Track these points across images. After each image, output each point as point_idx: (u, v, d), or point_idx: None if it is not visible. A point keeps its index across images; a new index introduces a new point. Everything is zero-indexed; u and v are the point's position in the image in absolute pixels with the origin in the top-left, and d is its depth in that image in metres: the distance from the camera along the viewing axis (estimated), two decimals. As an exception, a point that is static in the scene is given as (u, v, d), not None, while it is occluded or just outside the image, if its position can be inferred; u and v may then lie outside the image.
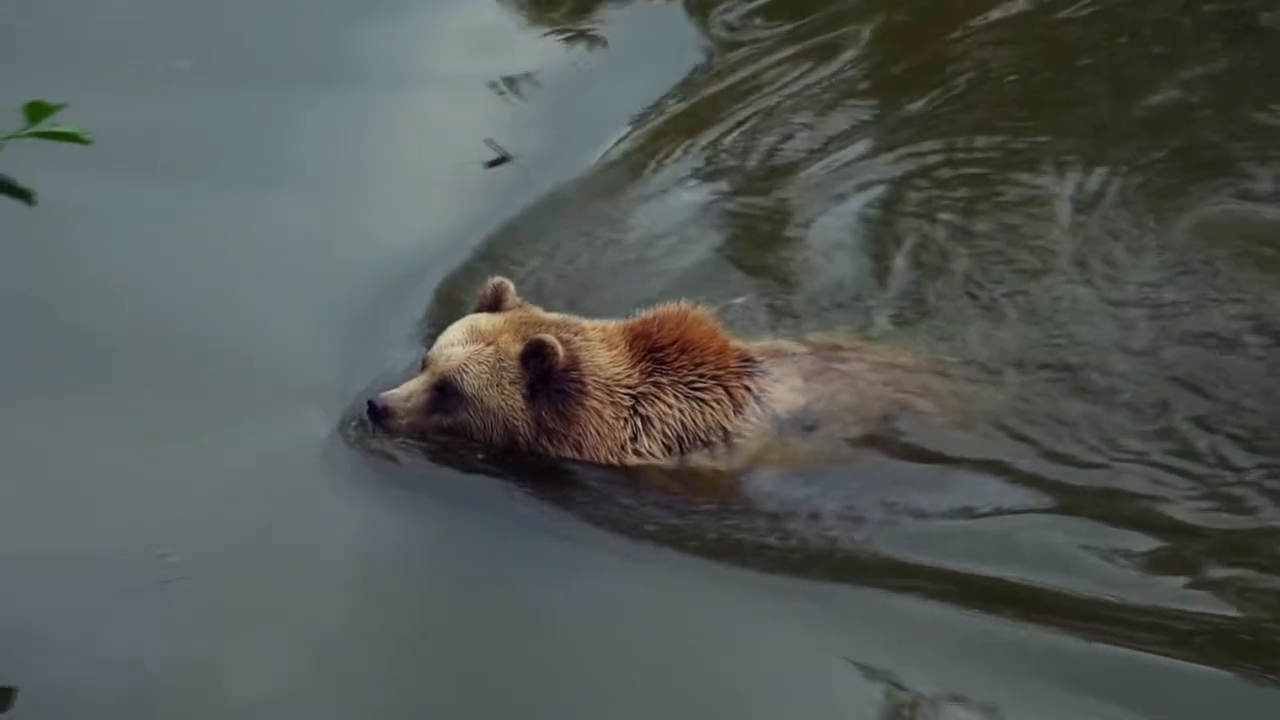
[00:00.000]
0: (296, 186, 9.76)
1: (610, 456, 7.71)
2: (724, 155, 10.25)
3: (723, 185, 10.00)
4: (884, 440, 7.87)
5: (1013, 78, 10.81)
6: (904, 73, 11.01)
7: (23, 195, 5.07)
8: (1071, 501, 7.68)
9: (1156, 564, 7.36)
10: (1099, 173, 9.67)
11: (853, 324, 8.58)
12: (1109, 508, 7.63)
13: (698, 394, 7.77)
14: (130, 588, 7.15)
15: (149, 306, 8.73)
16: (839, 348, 8.13)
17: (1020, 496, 7.69)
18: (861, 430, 7.83)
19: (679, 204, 9.77)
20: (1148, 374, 8.17)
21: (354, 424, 7.85)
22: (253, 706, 6.79)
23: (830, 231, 9.44)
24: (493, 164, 10.00)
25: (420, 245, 9.20)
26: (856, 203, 9.74)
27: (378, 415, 7.60)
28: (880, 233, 9.47)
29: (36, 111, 4.94)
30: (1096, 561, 7.38)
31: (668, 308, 7.90)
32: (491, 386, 7.59)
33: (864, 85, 10.86)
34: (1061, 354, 8.34)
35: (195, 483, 7.69)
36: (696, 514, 7.62)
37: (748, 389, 7.81)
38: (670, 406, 7.74)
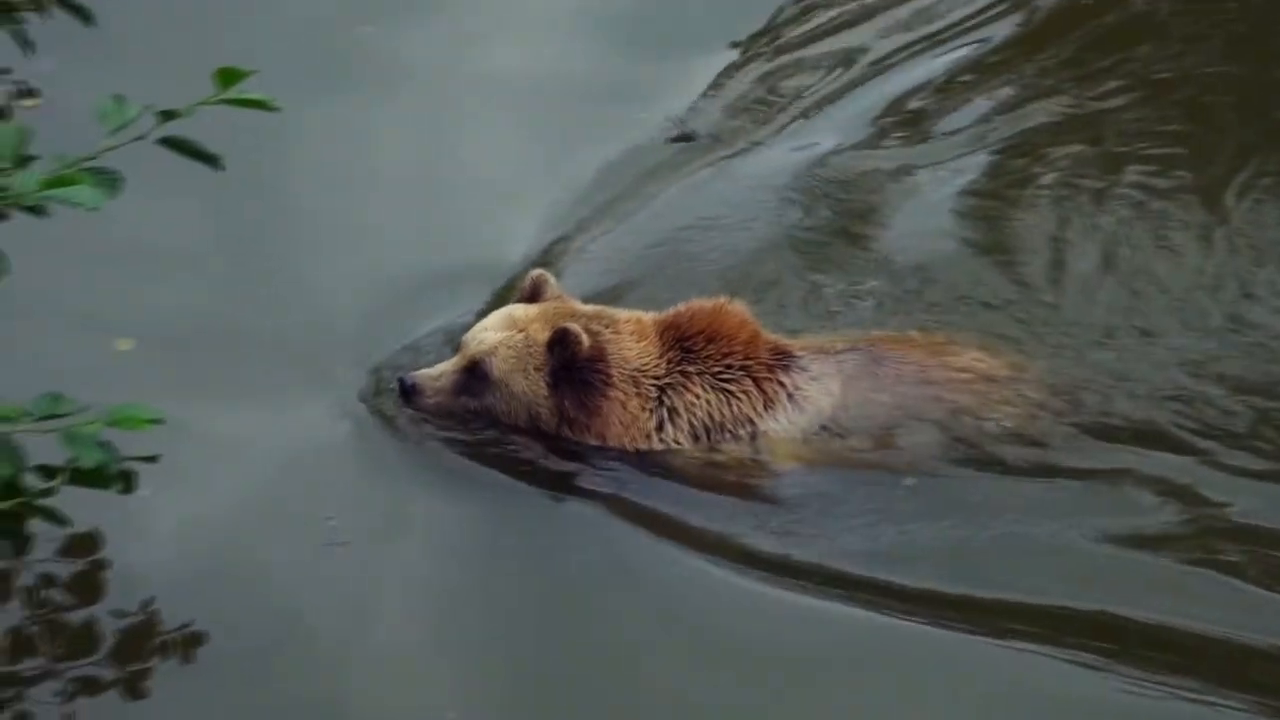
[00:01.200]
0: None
1: (634, 445, 7.75)
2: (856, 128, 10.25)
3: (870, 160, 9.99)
4: (918, 449, 7.77)
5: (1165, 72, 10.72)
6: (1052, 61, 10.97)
7: (210, 160, 5.11)
8: (1126, 530, 7.52)
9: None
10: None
11: (971, 323, 8.48)
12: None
13: (725, 385, 7.75)
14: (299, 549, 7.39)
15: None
16: (903, 344, 8.01)
17: (1065, 524, 7.52)
18: (895, 437, 7.77)
19: (774, 185, 9.71)
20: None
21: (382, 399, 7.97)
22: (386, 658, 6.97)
23: (959, 226, 9.39)
24: (675, 139, 10.03)
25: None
26: (995, 195, 9.67)
27: (407, 393, 7.69)
28: (1015, 229, 9.40)
29: (227, 77, 4.99)
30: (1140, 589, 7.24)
31: (702, 300, 7.89)
32: (518, 372, 7.66)
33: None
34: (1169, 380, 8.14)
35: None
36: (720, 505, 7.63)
37: (781, 384, 7.77)
38: (698, 397, 7.75)
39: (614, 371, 7.66)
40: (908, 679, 6.96)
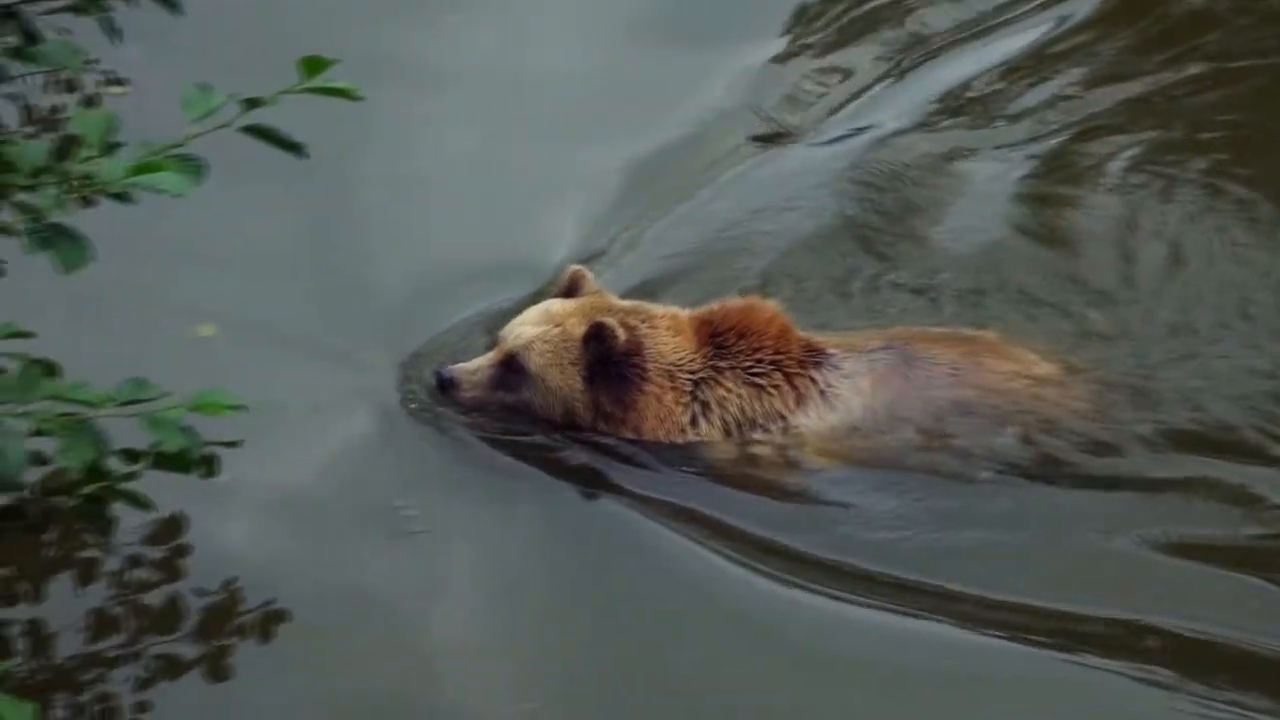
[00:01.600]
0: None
1: (669, 439, 7.79)
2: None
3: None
4: (949, 450, 7.77)
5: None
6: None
7: (294, 148, 5.15)
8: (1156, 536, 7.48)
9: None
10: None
11: (1031, 319, 8.49)
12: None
13: (755, 379, 7.78)
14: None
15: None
16: (939, 343, 7.98)
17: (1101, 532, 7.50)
18: (924, 438, 7.76)
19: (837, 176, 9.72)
20: None
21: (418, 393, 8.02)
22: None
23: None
24: (761, 137, 10.03)
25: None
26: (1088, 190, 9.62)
27: (444, 386, 7.75)
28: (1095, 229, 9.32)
29: (311, 66, 5.04)
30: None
31: (735, 298, 7.97)
32: (554, 366, 7.71)
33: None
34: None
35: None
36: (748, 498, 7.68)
37: (812, 380, 7.79)
38: (729, 392, 7.77)
39: (650, 365, 7.72)
40: (957, 688, 6.96)
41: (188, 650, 6.89)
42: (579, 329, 7.68)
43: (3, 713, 5.22)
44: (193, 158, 4.96)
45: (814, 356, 7.80)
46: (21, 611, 6.99)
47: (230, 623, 6.97)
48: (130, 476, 5.37)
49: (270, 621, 6.96)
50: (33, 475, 5.44)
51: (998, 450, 7.75)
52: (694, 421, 7.76)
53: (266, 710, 6.79)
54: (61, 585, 7.09)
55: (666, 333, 7.78)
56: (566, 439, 7.84)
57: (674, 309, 7.93)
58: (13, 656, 6.72)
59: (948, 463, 7.73)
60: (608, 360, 7.68)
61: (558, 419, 7.80)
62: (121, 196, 4.93)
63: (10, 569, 7.09)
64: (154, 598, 7.08)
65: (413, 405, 8.01)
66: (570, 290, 7.93)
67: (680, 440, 7.77)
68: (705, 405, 7.76)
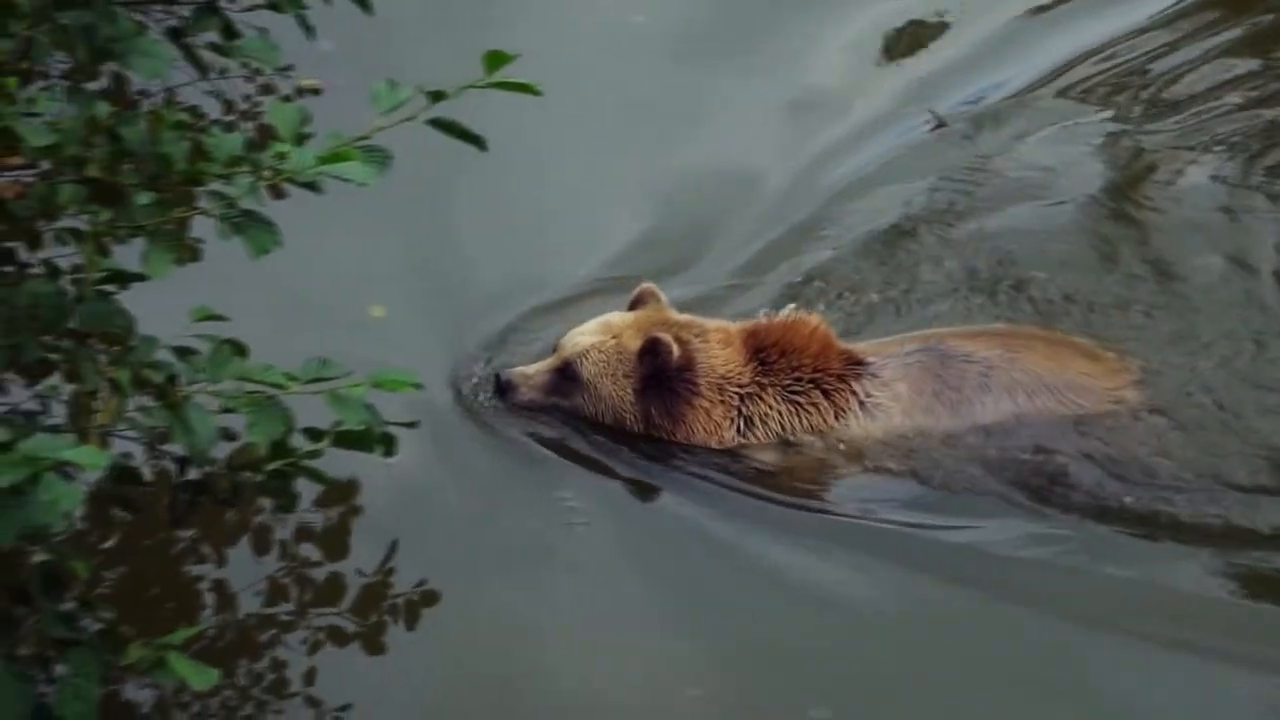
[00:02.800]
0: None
1: (718, 446, 7.94)
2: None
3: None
4: (984, 447, 7.87)
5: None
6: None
7: (475, 141, 5.28)
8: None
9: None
10: None
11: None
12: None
13: (794, 397, 7.93)
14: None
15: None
16: (976, 340, 8.06)
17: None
18: (959, 440, 7.87)
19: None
20: None
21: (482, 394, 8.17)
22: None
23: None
24: (935, 128, 10.06)
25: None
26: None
27: (502, 389, 7.92)
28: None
29: (494, 61, 5.17)
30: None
31: (781, 315, 8.08)
32: (606, 376, 7.91)
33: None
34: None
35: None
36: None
37: (852, 393, 7.91)
38: (770, 408, 7.92)
39: (701, 380, 7.89)
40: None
41: (348, 623, 7.13)
42: (634, 342, 7.89)
43: (188, 677, 5.47)
44: (378, 149, 5.13)
45: (853, 368, 7.94)
46: (209, 578, 7.30)
47: (385, 600, 7.20)
48: (314, 454, 5.58)
49: (424, 603, 7.18)
50: (222, 451, 5.63)
51: (1034, 447, 7.84)
52: (740, 433, 7.93)
53: (418, 683, 7.02)
54: (242, 554, 7.37)
55: (718, 346, 7.95)
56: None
57: (726, 323, 8.08)
58: (199, 622, 7.02)
59: (986, 460, 7.83)
60: (661, 375, 7.84)
61: (608, 424, 8.00)
62: (311, 185, 5.12)
63: (200, 539, 7.40)
64: (319, 570, 7.35)
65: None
66: (635, 304, 8.11)
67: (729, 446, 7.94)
68: (749, 420, 7.92)
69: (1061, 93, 10.46)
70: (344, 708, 6.82)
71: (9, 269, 5.64)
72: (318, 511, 7.50)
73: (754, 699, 7.06)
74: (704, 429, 7.94)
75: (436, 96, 5.18)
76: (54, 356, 5.39)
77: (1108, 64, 10.64)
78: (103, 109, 5.14)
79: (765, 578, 7.53)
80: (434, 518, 7.74)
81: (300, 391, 5.33)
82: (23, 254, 5.80)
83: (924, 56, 10.86)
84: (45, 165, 5.16)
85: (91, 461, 4.64)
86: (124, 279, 5.40)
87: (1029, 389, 7.89)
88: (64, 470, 4.63)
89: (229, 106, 9.51)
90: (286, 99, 9.24)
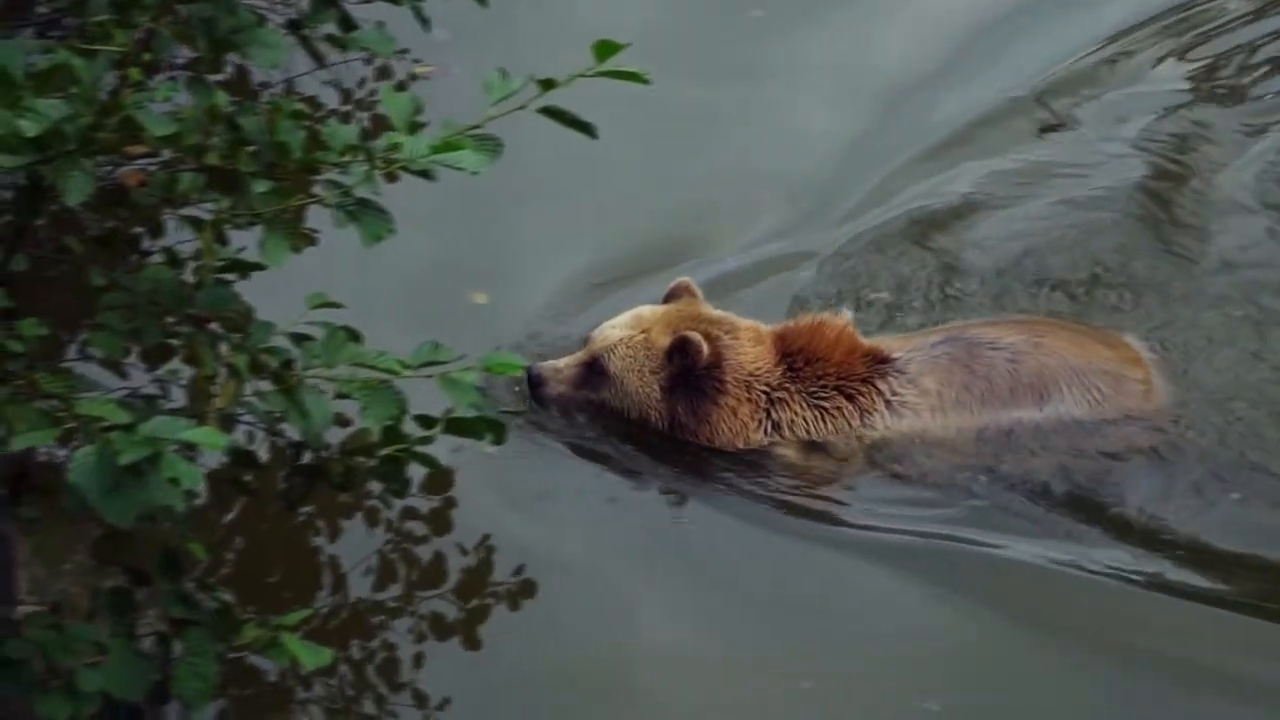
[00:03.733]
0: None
1: (743, 447, 7.92)
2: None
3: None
4: (1011, 443, 7.87)
5: None
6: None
7: (585, 128, 5.32)
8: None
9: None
10: None
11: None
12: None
13: (820, 403, 7.90)
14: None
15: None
16: (1002, 328, 8.06)
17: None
18: (988, 429, 7.87)
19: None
20: None
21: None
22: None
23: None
24: (1048, 129, 10.01)
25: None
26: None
27: (533, 382, 7.90)
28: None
29: (604, 50, 5.20)
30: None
31: (808, 316, 8.07)
32: (633, 372, 7.88)
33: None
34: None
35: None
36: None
37: (878, 391, 7.88)
38: (797, 415, 7.89)
39: (728, 378, 7.86)
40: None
41: (450, 609, 7.24)
42: (663, 338, 7.87)
43: (301, 657, 5.59)
44: (490, 137, 5.19)
45: (879, 367, 7.90)
46: (323, 560, 7.43)
47: (485, 585, 7.30)
48: (426, 440, 5.67)
49: (521, 593, 7.28)
50: (336, 436, 5.74)
51: (1057, 433, 7.86)
52: (766, 435, 7.93)
53: (518, 668, 7.14)
54: (355, 537, 7.50)
55: (749, 344, 7.92)
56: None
57: (757, 323, 8.05)
58: (313, 603, 7.16)
59: (1014, 448, 7.84)
60: (689, 373, 7.81)
61: (634, 419, 7.97)
62: (424, 173, 5.21)
63: (315, 522, 7.54)
64: (422, 552, 7.46)
65: None
66: (670, 298, 8.10)
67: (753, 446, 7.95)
68: (777, 425, 7.91)
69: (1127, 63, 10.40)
70: (445, 702, 6.95)
71: (132, 256, 5.78)
72: (427, 496, 7.63)
73: (866, 691, 7.13)
74: (729, 429, 7.91)
75: (547, 85, 5.23)
76: (174, 341, 5.53)
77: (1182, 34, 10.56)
78: (222, 99, 5.24)
79: (864, 575, 7.60)
80: (534, 507, 7.86)
81: (412, 376, 5.43)
82: (145, 241, 5.94)
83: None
84: (167, 154, 5.27)
85: (210, 443, 4.75)
86: (242, 266, 5.52)
87: (1058, 374, 7.88)
88: (184, 452, 4.75)
89: (346, 96, 9.66)
90: (400, 86, 9.37)
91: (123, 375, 5.90)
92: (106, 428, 4.72)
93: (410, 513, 7.60)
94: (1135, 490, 7.68)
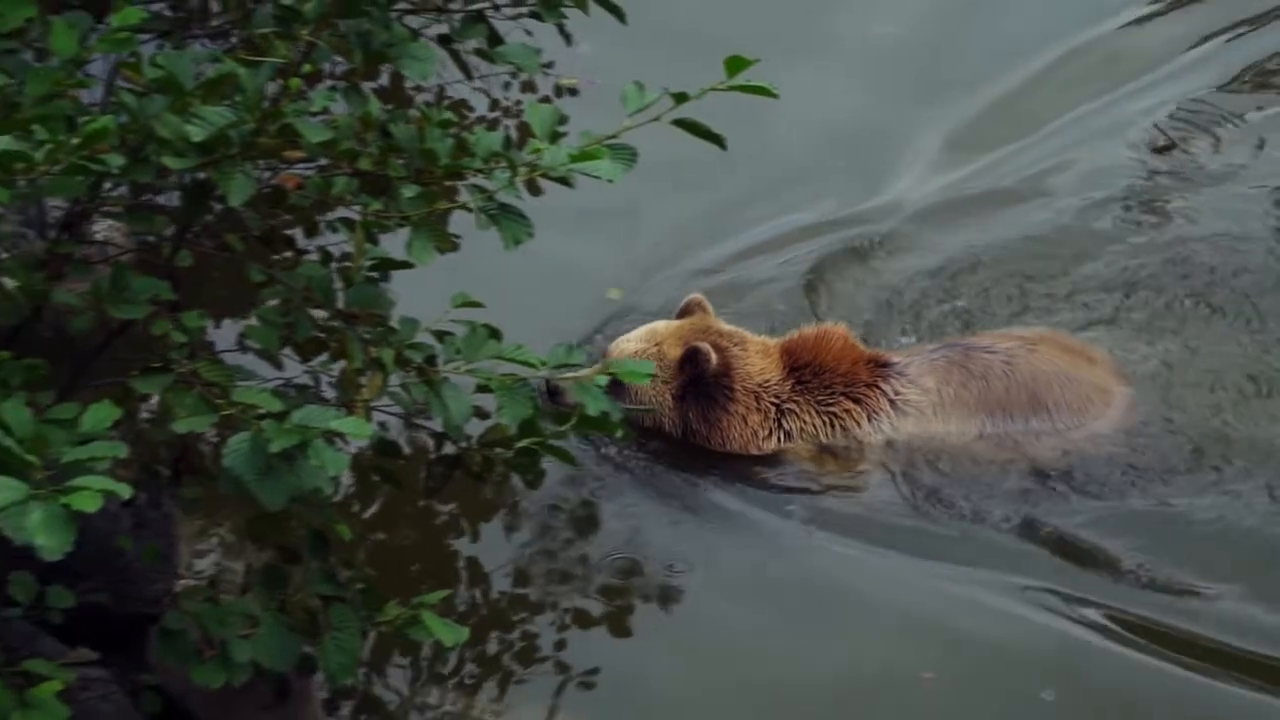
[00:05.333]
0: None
1: (755, 453, 8.04)
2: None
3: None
4: (1011, 433, 7.97)
5: None
6: None
7: (716, 140, 5.45)
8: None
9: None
10: None
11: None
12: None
13: (829, 408, 8.04)
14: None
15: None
16: (998, 337, 8.21)
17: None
18: (987, 426, 7.99)
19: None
20: None
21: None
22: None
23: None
24: (1160, 149, 10.00)
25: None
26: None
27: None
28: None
29: (734, 65, 5.29)
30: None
31: (809, 328, 8.20)
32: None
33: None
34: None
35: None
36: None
37: (882, 393, 8.03)
38: (806, 422, 8.03)
39: (738, 386, 8.02)
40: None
41: (593, 605, 7.40)
42: (675, 350, 8.00)
43: (440, 634, 5.80)
44: (625, 147, 5.35)
45: (881, 371, 8.08)
46: (462, 547, 7.63)
47: (631, 584, 7.47)
48: (560, 435, 5.86)
49: (669, 597, 7.46)
50: (475, 428, 5.91)
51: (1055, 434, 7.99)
52: (779, 443, 8.07)
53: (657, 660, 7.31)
54: (495, 526, 7.68)
55: (757, 356, 8.07)
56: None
57: (765, 337, 8.20)
58: (452, 586, 7.35)
59: (1013, 445, 7.98)
60: (700, 381, 7.95)
61: (649, 428, 8.09)
62: (563, 180, 5.37)
63: (455, 510, 7.75)
64: (565, 546, 7.63)
65: None
66: (682, 314, 8.23)
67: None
68: (788, 434, 8.06)
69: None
70: (592, 671, 7.13)
71: (288, 254, 5.99)
72: (565, 487, 7.81)
73: (985, 681, 7.23)
74: (740, 435, 8.09)
75: (680, 98, 5.37)
76: (324, 335, 5.72)
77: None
78: (375, 108, 5.45)
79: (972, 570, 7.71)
80: (675, 508, 8.01)
81: (545, 375, 5.62)
82: (301, 240, 6.14)
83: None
84: (322, 159, 5.46)
85: (357, 431, 4.91)
86: (390, 265, 5.71)
87: (1051, 379, 8.08)
88: (332, 440, 4.94)
89: (495, 104, 9.86)
90: (546, 99, 9.56)
91: (278, 366, 6.10)
92: (260, 415, 4.93)
93: (554, 505, 7.81)
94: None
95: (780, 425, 8.13)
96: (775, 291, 9.01)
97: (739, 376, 8.09)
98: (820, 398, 8.12)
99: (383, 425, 6.54)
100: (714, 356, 7.99)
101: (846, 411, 8.10)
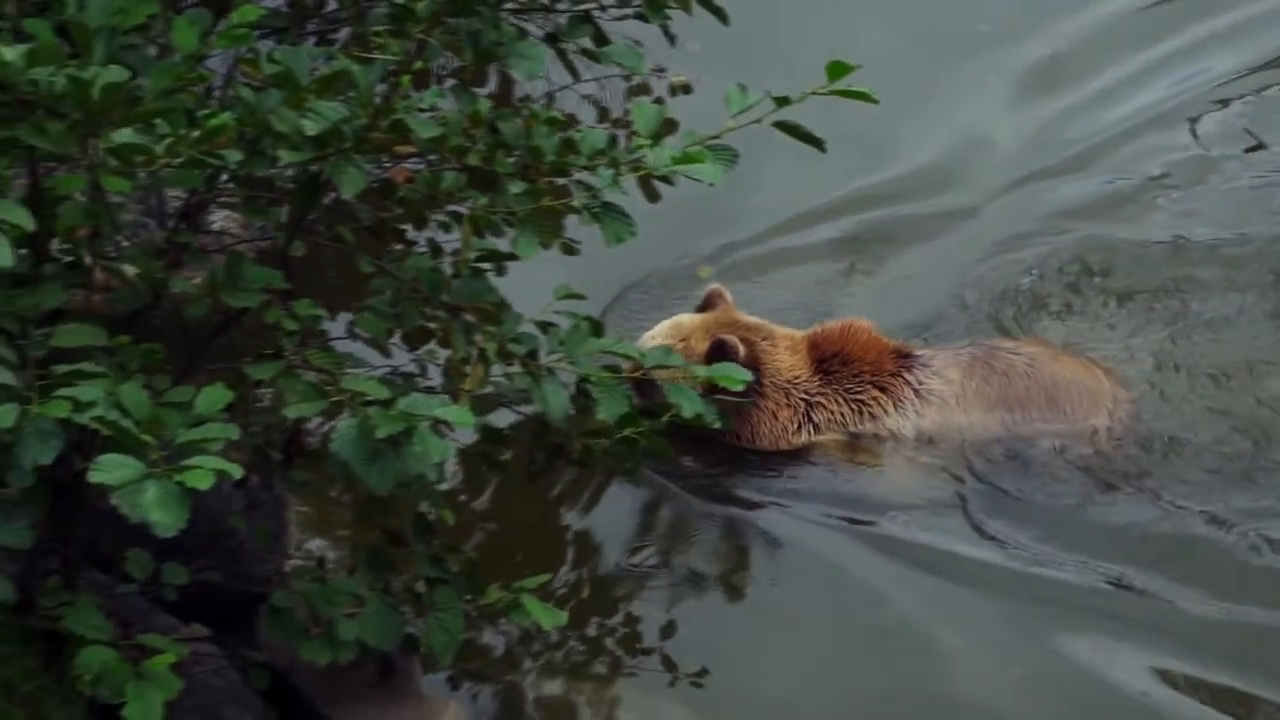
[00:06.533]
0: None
1: (785, 448, 7.99)
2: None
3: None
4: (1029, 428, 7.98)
5: None
6: None
7: (815, 143, 5.47)
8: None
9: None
10: None
11: None
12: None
13: (856, 396, 8.00)
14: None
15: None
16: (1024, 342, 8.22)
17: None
18: (1007, 420, 7.99)
19: None
20: None
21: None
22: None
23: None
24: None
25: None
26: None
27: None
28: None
29: (836, 70, 5.30)
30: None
31: (834, 321, 8.17)
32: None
33: None
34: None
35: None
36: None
37: (906, 383, 8.00)
38: (832, 413, 7.99)
39: (766, 381, 7.94)
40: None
41: (691, 593, 7.47)
42: (701, 344, 7.91)
43: (539, 617, 5.87)
44: (726, 148, 5.38)
45: (905, 362, 8.08)
46: (564, 533, 7.69)
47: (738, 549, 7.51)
48: (656, 428, 5.91)
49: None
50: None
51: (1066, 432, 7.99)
52: (809, 436, 8.03)
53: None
54: (599, 513, 7.76)
55: (785, 351, 8.03)
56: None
57: (792, 330, 8.14)
58: (553, 572, 7.42)
59: (1030, 439, 7.99)
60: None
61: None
62: (665, 179, 5.41)
63: (557, 497, 7.81)
64: (665, 535, 7.69)
65: None
66: (705, 306, 8.17)
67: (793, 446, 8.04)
68: (816, 426, 8.01)
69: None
70: (701, 672, 7.13)
71: (397, 245, 6.07)
72: (663, 477, 7.87)
73: (1073, 678, 7.21)
74: (769, 430, 8.05)
75: (781, 102, 5.39)
76: (431, 325, 5.79)
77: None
78: (484, 105, 5.52)
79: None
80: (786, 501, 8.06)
81: (640, 376, 5.68)
82: (410, 232, 6.22)
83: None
84: (432, 155, 5.54)
85: (461, 419, 4.99)
86: (496, 257, 5.78)
87: (1070, 386, 8.10)
88: (436, 427, 5.01)
89: (600, 106, 9.90)
90: (659, 100, 9.59)
91: (385, 354, 6.18)
92: (368, 402, 5.01)
93: (654, 493, 7.86)
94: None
95: (809, 418, 8.11)
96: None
97: (768, 372, 8.06)
98: (848, 385, 8.11)
99: (500, 414, 6.59)
100: (741, 349, 7.90)
101: (874, 399, 8.11)
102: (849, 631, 7.45)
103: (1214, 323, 8.64)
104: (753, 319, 8.25)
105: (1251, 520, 7.71)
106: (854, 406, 8.12)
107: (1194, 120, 10.09)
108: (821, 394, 8.08)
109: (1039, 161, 9.86)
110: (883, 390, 8.12)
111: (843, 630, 7.45)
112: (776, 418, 8.10)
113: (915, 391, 8.11)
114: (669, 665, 7.13)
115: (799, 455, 8.11)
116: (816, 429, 8.11)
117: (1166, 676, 7.15)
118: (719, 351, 7.88)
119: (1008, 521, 7.81)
